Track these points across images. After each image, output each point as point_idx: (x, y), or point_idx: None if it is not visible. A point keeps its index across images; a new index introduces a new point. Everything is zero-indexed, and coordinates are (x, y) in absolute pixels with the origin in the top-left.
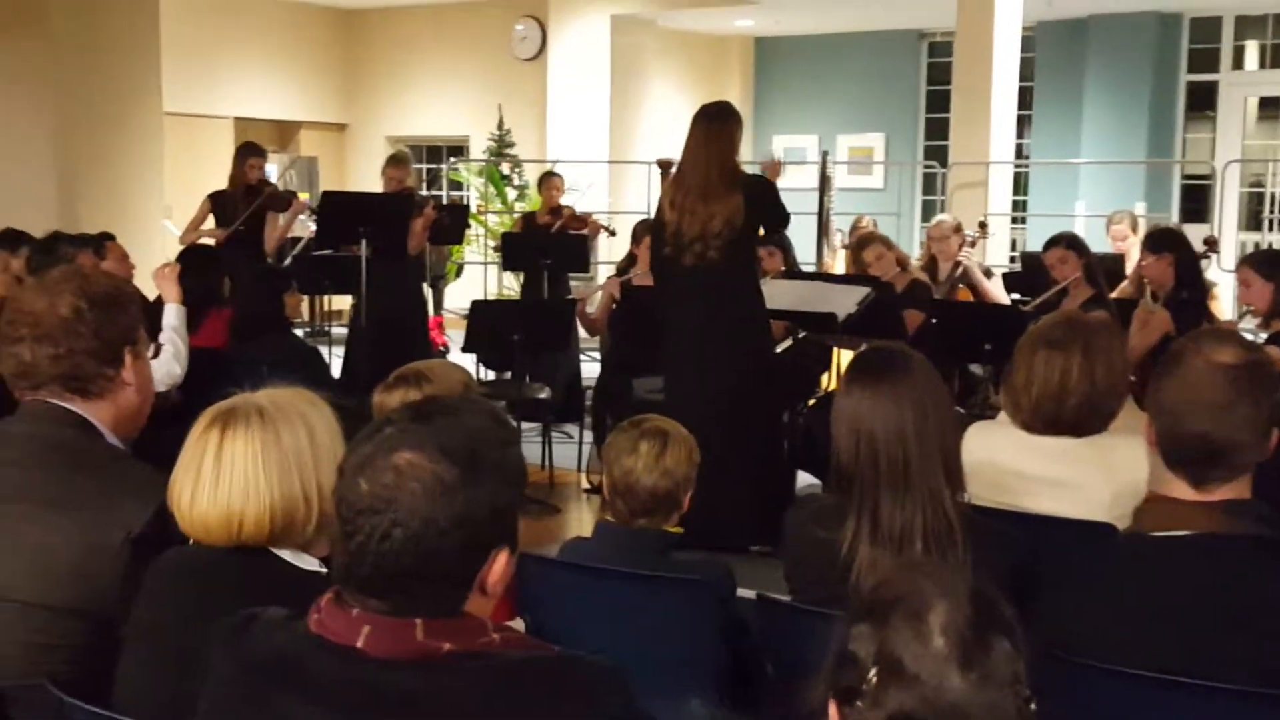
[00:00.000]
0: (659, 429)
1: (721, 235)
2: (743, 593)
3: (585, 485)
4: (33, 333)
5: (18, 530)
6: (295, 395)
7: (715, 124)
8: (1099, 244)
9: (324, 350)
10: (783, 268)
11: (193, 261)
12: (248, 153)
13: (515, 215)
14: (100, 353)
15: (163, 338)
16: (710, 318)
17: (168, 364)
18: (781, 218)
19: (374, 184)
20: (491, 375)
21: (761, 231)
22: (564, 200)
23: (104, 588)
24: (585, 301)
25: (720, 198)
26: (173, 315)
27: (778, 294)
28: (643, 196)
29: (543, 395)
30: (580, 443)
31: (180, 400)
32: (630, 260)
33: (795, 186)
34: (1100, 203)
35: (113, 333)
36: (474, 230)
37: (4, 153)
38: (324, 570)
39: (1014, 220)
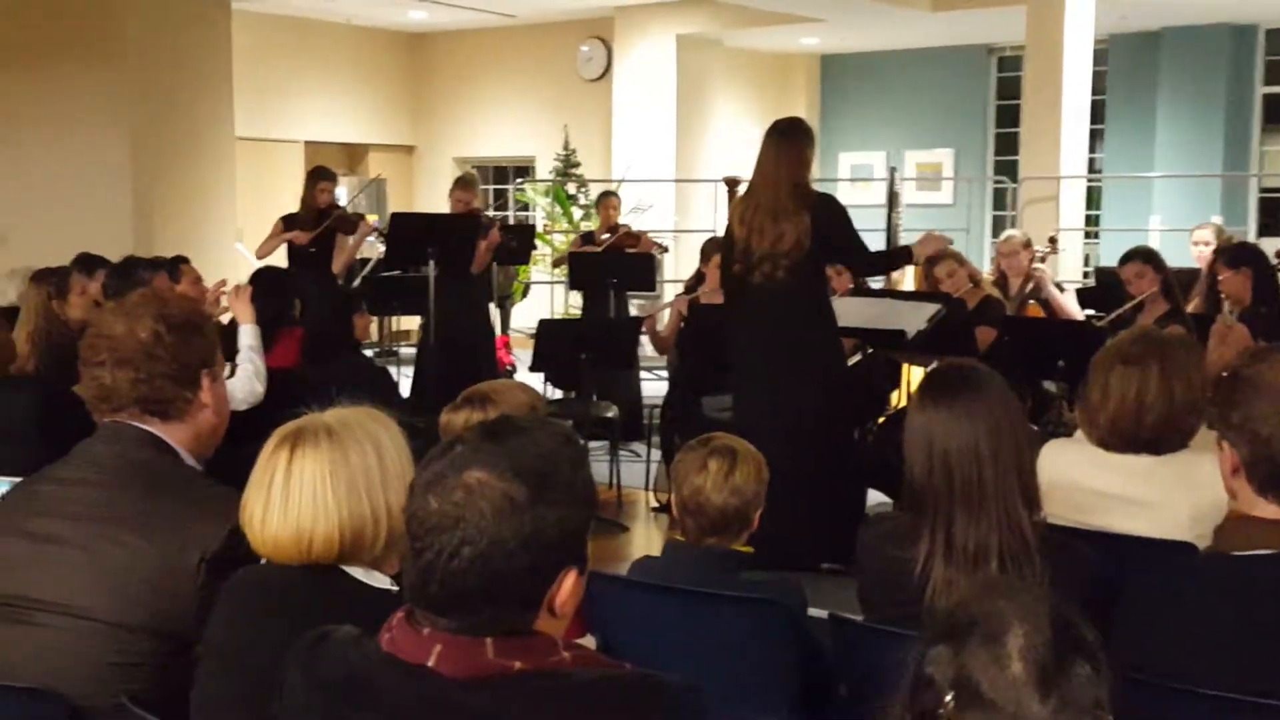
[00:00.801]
0: (727, 447)
1: (791, 254)
2: (814, 612)
3: (653, 504)
4: (113, 357)
5: (99, 550)
6: (363, 414)
7: (786, 140)
8: (1175, 258)
9: (392, 370)
10: (851, 285)
11: (264, 283)
12: (318, 176)
13: (572, 235)
14: (178, 376)
15: (241, 358)
16: (780, 336)
17: (249, 382)
18: (857, 251)
19: (441, 205)
20: (559, 394)
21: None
22: (631, 219)
23: (180, 607)
24: (654, 319)
25: (790, 216)
26: (249, 335)
27: (847, 311)
28: (708, 215)
29: (610, 414)
30: (647, 461)
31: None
32: (698, 278)
33: (863, 203)
34: (1175, 217)
35: (190, 356)
36: (540, 250)
37: (81, 179)
38: (395, 588)
39: (1087, 235)
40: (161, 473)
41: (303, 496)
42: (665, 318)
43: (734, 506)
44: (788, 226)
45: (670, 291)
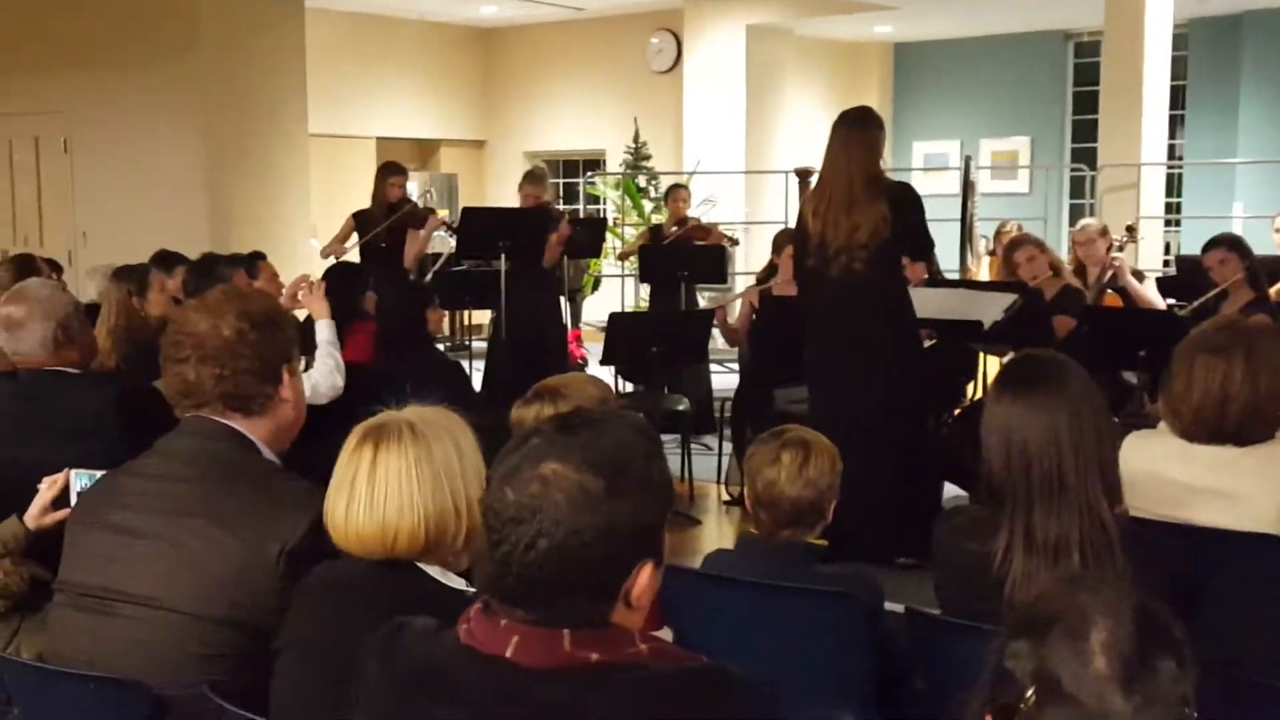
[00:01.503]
0: (801, 439)
1: (867, 247)
2: (890, 606)
3: (725, 497)
4: (197, 353)
5: (184, 543)
6: (439, 413)
7: (857, 130)
8: (1258, 246)
9: (464, 364)
10: (926, 276)
11: (337, 277)
12: (389, 171)
13: (642, 228)
14: (260, 372)
15: (320, 352)
16: (859, 329)
17: (330, 376)
18: (924, 244)
19: (512, 199)
20: (630, 387)
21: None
22: (701, 212)
23: (261, 600)
24: (724, 311)
25: (864, 207)
26: (325, 330)
27: (922, 302)
28: (780, 206)
29: (681, 407)
30: (719, 454)
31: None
32: (770, 270)
33: (938, 192)
34: (1259, 203)
35: (272, 352)
36: (611, 243)
37: (158, 177)
38: (470, 589)
39: (1167, 223)
40: (242, 467)
41: (389, 491)
42: (736, 310)
43: (808, 499)
44: (863, 218)
45: (741, 284)
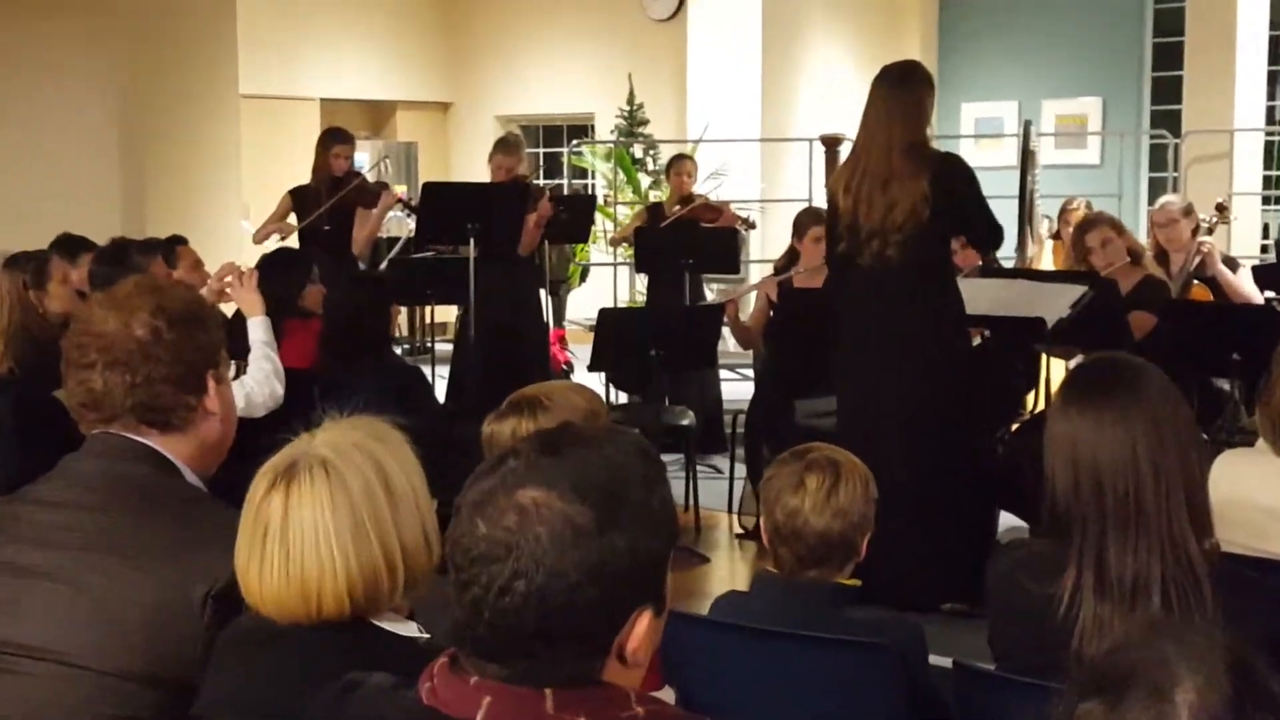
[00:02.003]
0: (828, 459)
1: (905, 228)
2: (935, 659)
3: (738, 529)
4: (105, 357)
5: (88, 585)
6: (360, 431)
7: (900, 90)
8: None
9: (426, 370)
10: (979, 263)
11: (272, 266)
12: (332, 140)
13: (638, 207)
14: (181, 379)
15: (253, 355)
16: (895, 328)
17: (268, 383)
18: (984, 227)
19: (481, 173)
20: (623, 398)
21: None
22: (709, 188)
23: (183, 651)
24: (736, 305)
25: (904, 182)
26: (260, 329)
27: (974, 296)
28: (802, 181)
29: (685, 422)
30: (731, 478)
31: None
32: (790, 257)
33: (991, 164)
34: None
35: (194, 355)
36: (601, 225)
37: (60, 147)
38: (424, 636)
39: (1265, 200)
40: (161, 493)
41: (305, 551)
42: (750, 305)
43: (837, 531)
44: (901, 195)
45: (756, 273)
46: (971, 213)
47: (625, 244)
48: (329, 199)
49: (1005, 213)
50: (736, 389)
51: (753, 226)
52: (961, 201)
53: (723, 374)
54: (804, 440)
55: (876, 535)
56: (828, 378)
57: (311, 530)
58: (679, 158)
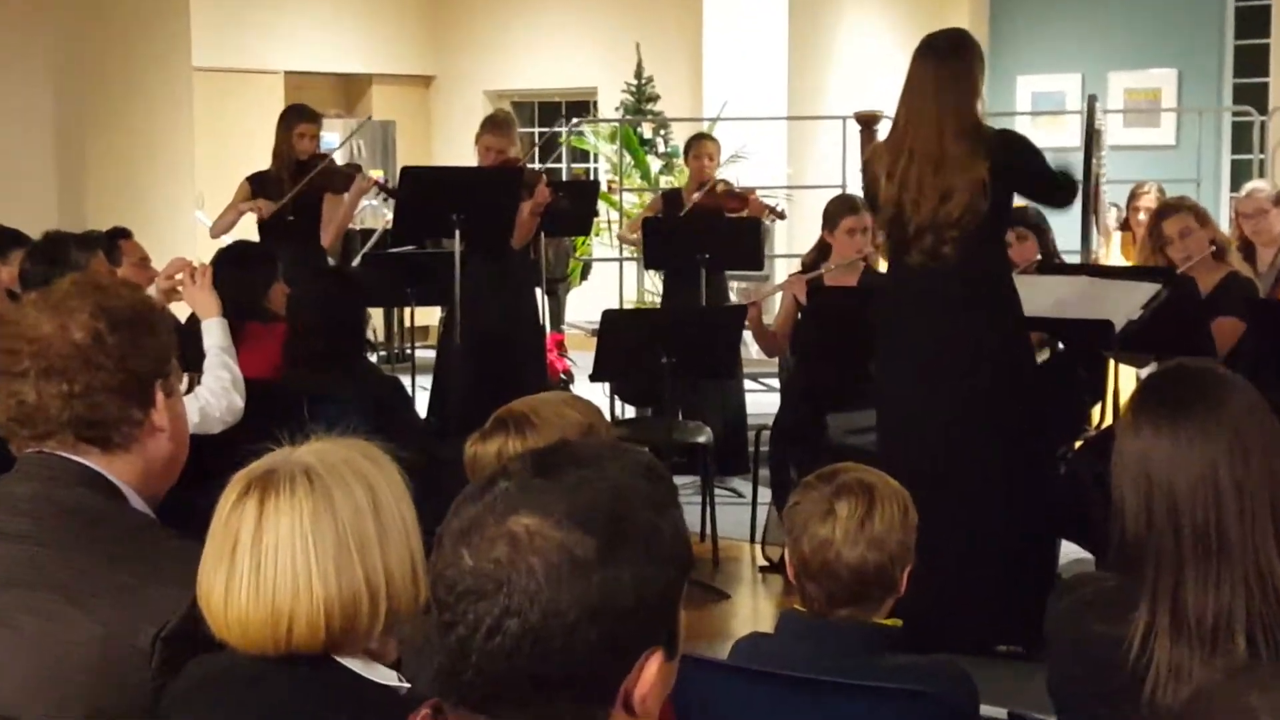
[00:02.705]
0: (861, 482)
1: (962, 223)
2: (987, 710)
3: (761, 562)
4: (38, 365)
5: (23, 625)
6: (351, 449)
7: (949, 62)
8: None
9: (405, 381)
10: (1038, 257)
11: (231, 262)
12: (295, 118)
13: (648, 195)
14: (125, 389)
15: (209, 363)
16: (945, 335)
17: (225, 395)
18: (1055, 183)
19: (468, 156)
20: (631, 412)
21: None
22: (723, 172)
23: (129, 700)
24: (759, 307)
25: (958, 168)
26: (216, 333)
27: (1032, 295)
28: (834, 164)
29: (701, 439)
30: (754, 503)
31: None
32: (821, 251)
33: (1051, 145)
34: None
35: (141, 363)
36: (605, 215)
37: None
38: (405, 685)
39: None
40: (103, 522)
41: (279, 568)
42: (776, 306)
43: (873, 564)
44: (957, 182)
45: (782, 270)
46: (1040, 180)
47: (633, 240)
48: (293, 185)
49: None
50: (760, 401)
51: (782, 216)
52: (1029, 171)
53: (745, 384)
54: (836, 460)
55: (920, 569)
56: (864, 388)
57: (288, 544)
58: (699, 138)
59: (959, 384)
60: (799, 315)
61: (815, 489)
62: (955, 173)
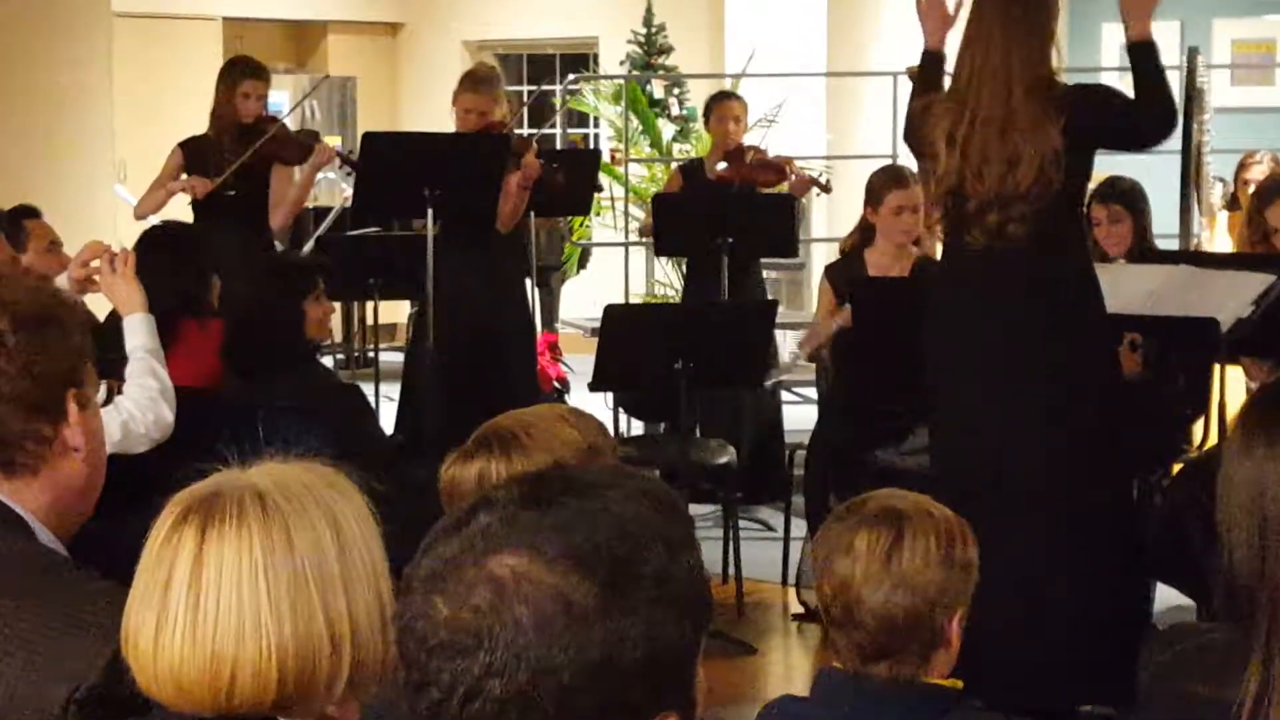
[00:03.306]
0: (889, 510)
1: (1031, 196)
2: None
3: (796, 608)
4: None
5: None
6: (311, 473)
7: (1021, 9)
8: None
9: (367, 390)
10: (1128, 242)
11: (157, 247)
12: (239, 74)
13: (672, 166)
14: (31, 401)
15: (132, 368)
16: (1013, 333)
17: (150, 406)
18: (1145, 110)
19: (443, 119)
20: (639, 428)
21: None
22: (750, 138)
23: None
24: (816, 336)
25: (1028, 131)
26: (142, 331)
27: (1119, 287)
28: (883, 129)
29: (723, 460)
30: (786, 538)
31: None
32: (863, 233)
33: None
34: None
35: (50, 369)
36: (609, 191)
37: None
38: None
39: None
40: (7, 561)
41: (221, 606)
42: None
43: (905, 609)
44: (1027, 148)
45: (820, 257)
46: (1122, 117)
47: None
48: (236, 155)
49: (1162, 174)
50: (796, 415)
51: (828, 190)
52: (1109, 112)
53: (786, 394)
54: (884, 484)
55: (986, 616)
56: (919, 399)
57: (234, 579)
58: (722, 97)
59: (1028, 393)
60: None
61: (841, 520)
62: (1024, 136)
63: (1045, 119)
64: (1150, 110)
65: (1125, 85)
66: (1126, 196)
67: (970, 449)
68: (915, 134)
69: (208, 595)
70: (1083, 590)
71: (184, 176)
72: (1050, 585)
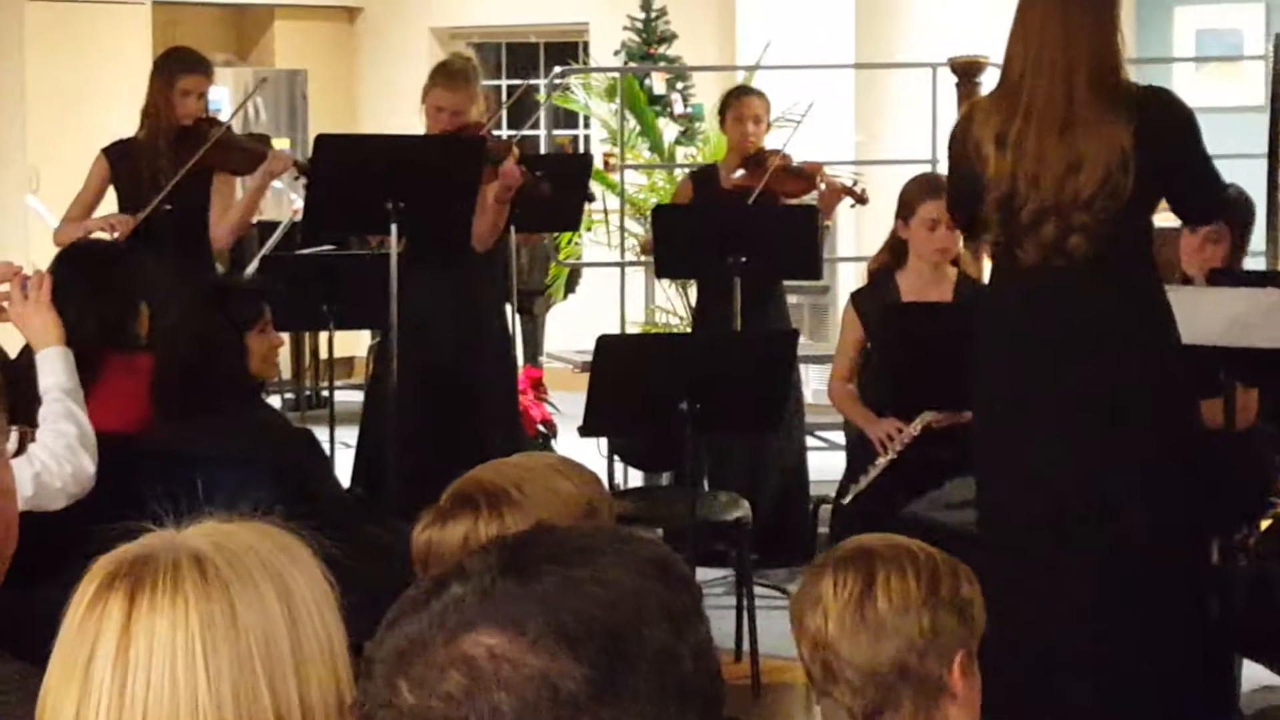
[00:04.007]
0: (862, 551)
1: (1095, 205)
2: None
3: None
4: None
5: None
6: (257, 534)
7: None
8: None
9: (321, 435)
10: (1217, 263)
11: (77, 269)
12: (178, 68)
13: (676, 172)
14: None
15: (48, 412)
16: (1066, 363)
17: (70, 457)
18: (1207, 196)
19: (410, 119)
20: (637, 478)
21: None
22: (770, 140)
23: None
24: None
25: (1091, 130)
26: (58, 368)
27: (1196, 313)
28: (921, 130)
29: (736, 516)
30: None
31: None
32: (894, 250)
33: (1223, 104)
34: None
35: None
36: (600, 203)
37: None
38: None
39: None
40: None
41: (151, 688)
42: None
43: (889, 660)
44: (1092, 149)
45: (846, 278)
46: (1189, 174)
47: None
48: (172, 162)
49: (1247, 179)
50: (821, 464)
51: (864, 201)
52: (1174, 160)
53: (810, 439)
54: (926, 539)
55: (1049, 693)
56: (962, 444)
57: (166, 655)
58: (741, 93)
59: (1087, 435)
60: (867, 345)
61: (814, 568)
62: (1087, 136)
63: (1111, 117)
64: (1216, 204)
65: (1201, 79)
66: (1231, 209)
67: (1029, 503)
68: (960, 142)
69: (136, 675)
70: (1157, 667)
71: (99, 214)
72: (1119, 662)
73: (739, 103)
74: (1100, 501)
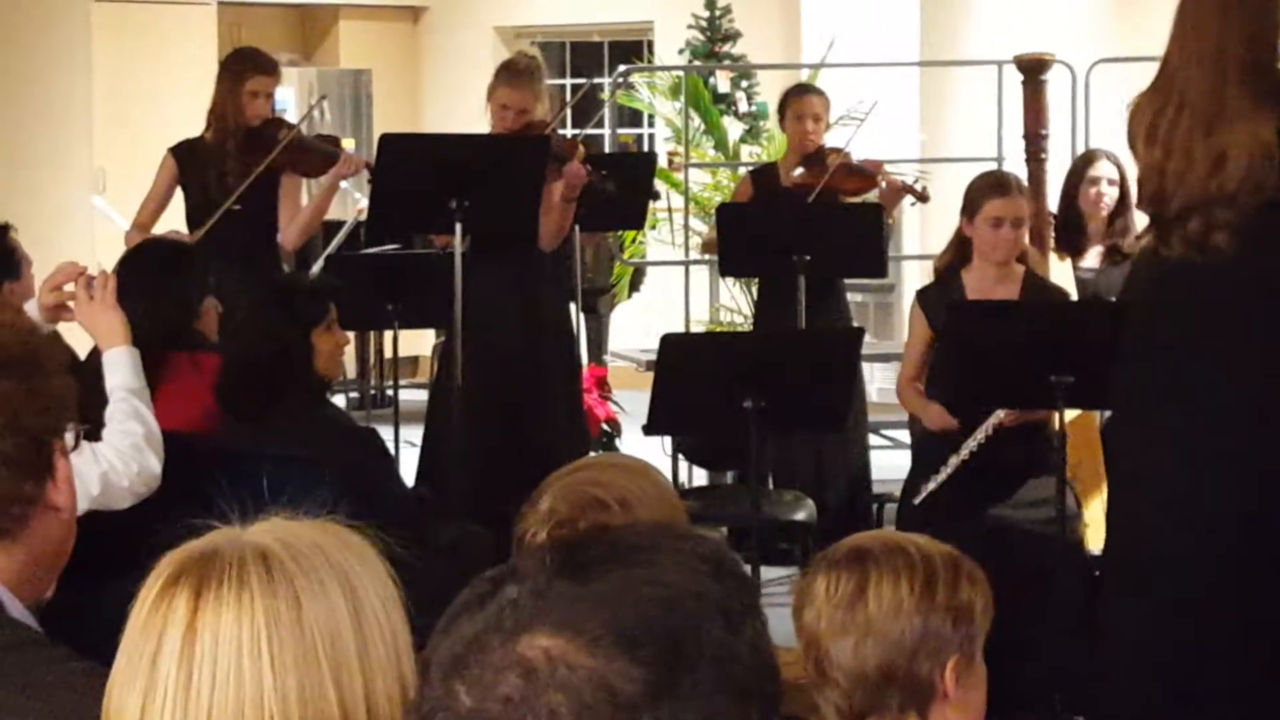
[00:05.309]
0: (854, 550)
1: (1240, 200)
2: None
3: None
4: None
5: None
6: (323, 532)
7: None
8: None
9: (386, 435)
10: None
11: (143, 270)
12: (247, 69)
13: (741, 170)
14: (17, 457)
15: (114, 412)
16: (1212, 369)
17: (134, 456)
18: None
19: (474, 118)
20: (701, 477)
21: None
22: (833, 138)
23: None
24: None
25: (1238, 125)
26: (124, 368)
27: None
28: (987, 128)
29: (800, 515)
30: None
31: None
32: (959, 249)
33: None
34: None
35: (36, 419)
36: (665, 202)
37: None
38: None
39: None
40: None
41: (216, 683)
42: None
43: (877, 661)
44: (1234, 141)
45: (911, 277)
46: None
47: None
48: (242, 164)
49: None
50: (886, 463)
51: (925, 199)
52: None
53: (875, 438)
54: (993, 544)
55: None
56: (1034, 442)
57: (233, 650)
58: (800, 91)
59: (1234, 449)
60: (933, 344)
61: (812, 568)
62: (1231, 131)
63: (1259, 108)
64: None
65: None
66: None
67: (1159, 519)
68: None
69: (202, 670)
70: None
71: (179, 193)
72: (1260, 682)
73: (798, 101)
74: (1233, 520)
